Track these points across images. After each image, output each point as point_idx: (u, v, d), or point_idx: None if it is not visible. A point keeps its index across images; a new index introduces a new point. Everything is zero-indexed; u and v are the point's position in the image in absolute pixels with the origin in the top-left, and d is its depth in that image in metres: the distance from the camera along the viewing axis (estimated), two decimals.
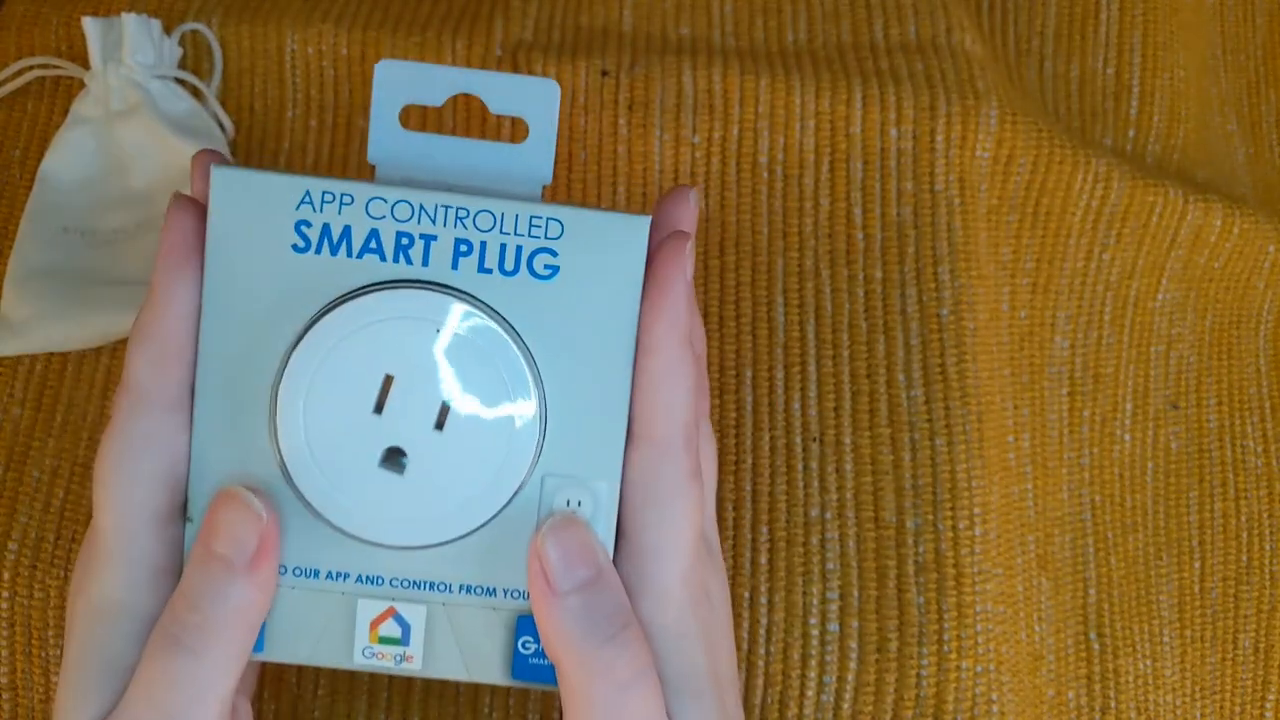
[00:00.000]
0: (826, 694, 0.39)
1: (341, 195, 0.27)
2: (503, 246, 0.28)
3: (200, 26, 0.47)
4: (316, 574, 0.29)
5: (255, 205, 0.27)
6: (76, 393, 0.43)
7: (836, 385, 0.43)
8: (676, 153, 0.44)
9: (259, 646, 0.29)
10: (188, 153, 0.45)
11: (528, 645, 0.29)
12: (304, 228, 0.27)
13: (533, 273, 0.28)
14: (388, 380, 0.27)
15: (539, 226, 0.27)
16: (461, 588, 0.29)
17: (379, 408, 0.27)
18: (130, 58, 0.45)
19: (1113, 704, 0.45)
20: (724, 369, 0.43)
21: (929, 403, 0.42)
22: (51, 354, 0.44)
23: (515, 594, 0.29)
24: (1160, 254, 0.50)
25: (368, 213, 0.27)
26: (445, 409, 0.27)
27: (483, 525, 0.28)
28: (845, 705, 0.39)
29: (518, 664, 0.29)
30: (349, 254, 0.27)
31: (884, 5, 0.48)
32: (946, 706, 0.39)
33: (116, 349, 0.44)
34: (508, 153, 0.30)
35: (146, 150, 0.46)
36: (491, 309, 0.28)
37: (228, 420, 0.28)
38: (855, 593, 0.40)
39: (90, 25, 0.45)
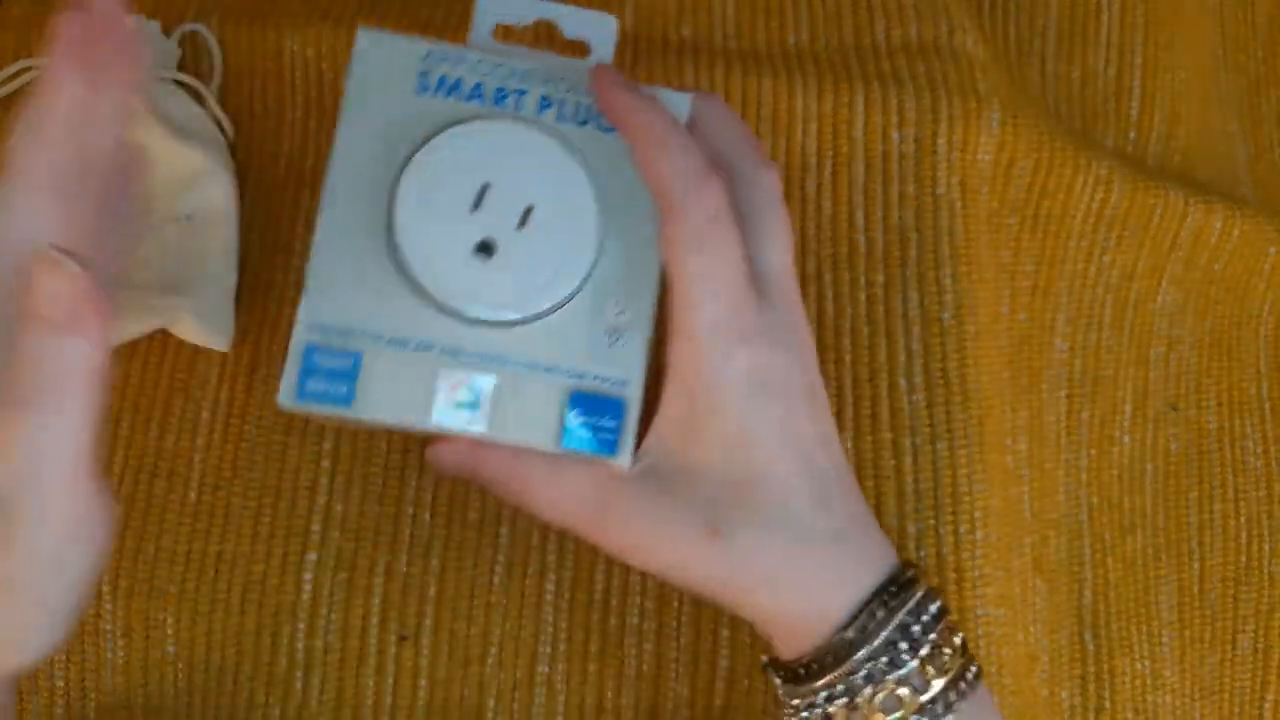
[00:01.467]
0: None
1: (457, 56, 0.36)
2: (577, 104, 0.36)
3: (199, 28, 0.48)
4: (406, 344, 0.34)
5: (388, 58, 0.36)
6: None
7: (839, 389, 0.43)
8: None
9: (347, 401, 0.34)
10: (187, 155, 0.45)
11: (576, 417, 0.34)
12: (426, 76, 0.36)
13: (598, 126, 0.36)
14: (485, 186, 0.34)
15: None
16: (526, 364, 0.35)
17: (476, 206, 0.34)
18: None
19: (1108, 704, 0.46)
20: None
21: (930, 407, 0.43)
22: None
23: (570, 373, 0.35)
24: (1161, 256, 0.50)
25: (475, 70, 0.36)
26: (528, 212, 0.35)
27: (547, 312, 0.35)
28: None
29: (566, 433, 0.34)
30: (460, 97, 0.36)
31: (885, 7, 0.48)
32: None
33: (116, 353, 0.45)
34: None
35: (145, 153, 0.46)
36: (568, 144, 0.35)
37: (351, 211, 0.35)
38: None
39: None
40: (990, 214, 0.47)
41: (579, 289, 0.35)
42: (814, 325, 0.44)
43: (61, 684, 0.42)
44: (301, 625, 0.42)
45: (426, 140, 0.35)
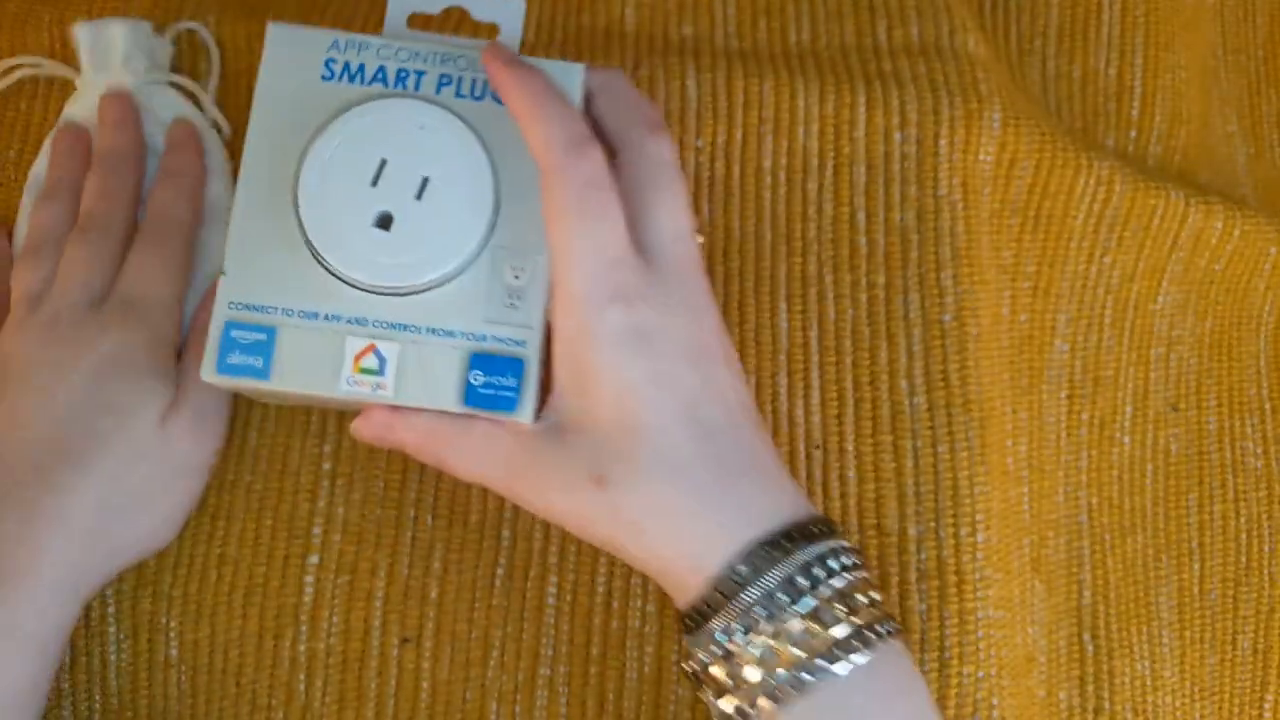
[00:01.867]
0: None
1: (360, 43, 0.39)
2: (474, 80, 0.38)
3: (197, 26, 0.48)
4: (316, 316, 0.37)
5: (297, 48, 0.38)
6: None
7: (839, 392, 0.44)
8: (680, 158, 0.46)
9: (264, 374, 0.36)
10: None
11: (477, 378, 0.37)
12: (331, 64, 0.38)
13: (495, 100, 0.38)
14: (383, 162, 0.36)
15: None
16: (428, 330, 0.37)
17: (375, 182, 0.36)
18: (121, 64, 0.46)
19: (1106, 705, 0.47)
20: None
21: (931, 409, 0.43)
22: None
23: (470, 336, 0.37)
24: (1161, 257, 0.51)
25: (378, 55, 0.38)
26: (424, 184, 0.36)
27: (447, 279, 0.37)
28: None
29: (469, 393, 0.37)
30: (362, 82, 0.38)
31: (887, 6, 0.49)
32: (948, 712, 0.40)
33: None
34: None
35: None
36: (463, 119, 0.37)
37: (264, 196, 0.37)
38: None
39: (80, 31, 0.46)
40: (991, 215, 0.47)
41: (477, 254, 0.37)
42: (815, 328, 0.45)
43: (67, 686, 0.43)
44: (304, 628, 0.43)
45: (326, 121, 0.37)
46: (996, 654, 0.42)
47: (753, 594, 0.33)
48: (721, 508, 0.34)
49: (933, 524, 0.42)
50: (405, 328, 0.37)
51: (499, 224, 0.37)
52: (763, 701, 0.33)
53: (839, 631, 0.33)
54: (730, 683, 0.34)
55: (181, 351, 0.43)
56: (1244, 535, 0.51)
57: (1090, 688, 0.47)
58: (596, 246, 0.35)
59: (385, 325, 0.37)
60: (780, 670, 0.33)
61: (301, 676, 0.42)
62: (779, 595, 0.33)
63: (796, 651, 0.33)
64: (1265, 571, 0.51)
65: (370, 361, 0.37)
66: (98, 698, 0.43)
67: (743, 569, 0.33)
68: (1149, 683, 0.48)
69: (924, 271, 0.45)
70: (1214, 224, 0.51)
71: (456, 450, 0.37)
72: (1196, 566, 0.50)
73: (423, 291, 0.37)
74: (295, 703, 0.42)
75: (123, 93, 0.46)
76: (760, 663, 0.33)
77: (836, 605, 0.33)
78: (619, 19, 0.49)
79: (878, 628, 0.34)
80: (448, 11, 0.45)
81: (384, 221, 0.36)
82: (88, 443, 0.39)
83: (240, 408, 0.45)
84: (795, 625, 0.33)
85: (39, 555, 0.38)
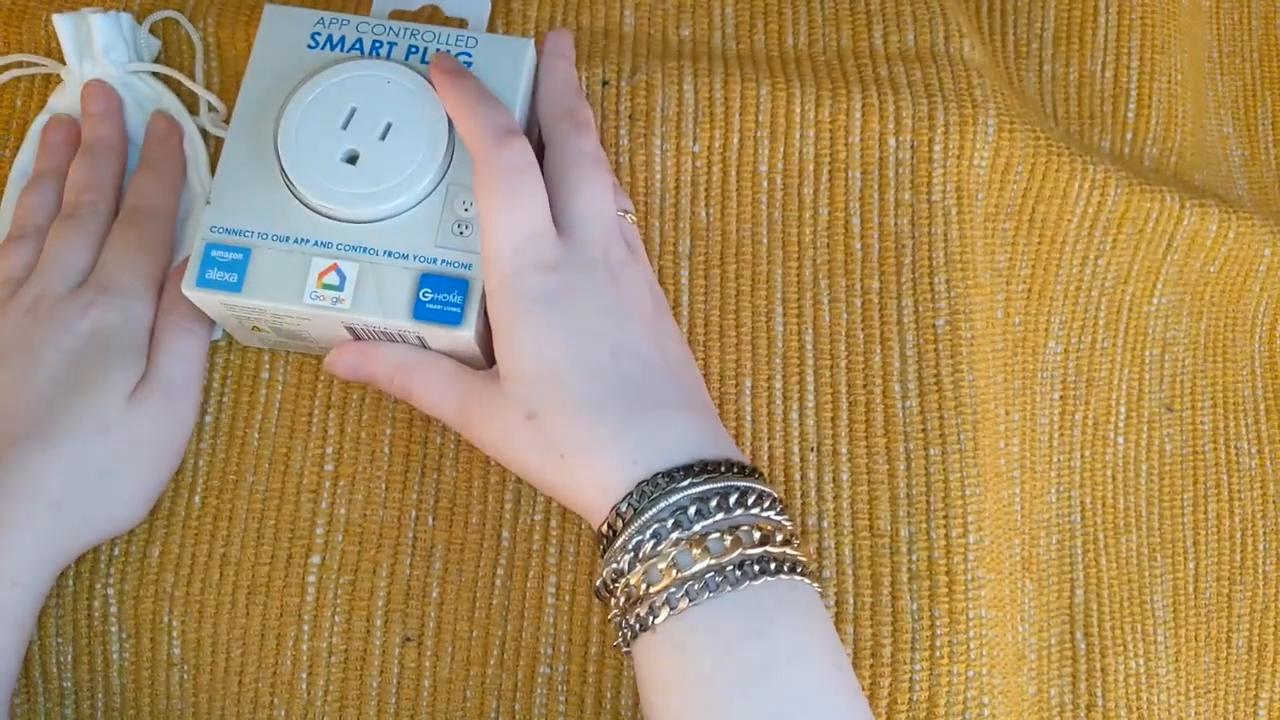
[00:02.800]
0: None
1: (343, 20, 0.45)
2: (438, 50, 0.44)
3: (177, 15, 0.50)
4: (288, 239, 0.42)
5: (288, 23, 0.45)
6: None
7: (834, 395, 0.45)
8: (678, 162, 0.47)
9: (237, 288, 0.42)
10: None
11: (426, 295, 0.41)
12: (317, 35, 0.45)
13: None
14: (353, 109, 0.42)
15: (462, 41, 0.45)
16: (385, 252, 0.42)
17: (345, 125, 0.42)
18: (102, 54, 0.48)
19: (1099, 702, 0.48)
20: (723, 379, 0.46)
21: (924, 413, 0.45)
22: None
23: (422, 258, 0.42)
24: (1156, 259, 0.52)
25: (356, 30, 0.45)
26: (388, 128, 0.42)
27: (404, 210, 0.42)
28: None
29: (418, 308, 0.41)
30: (342, 50, 0.44)
31: (883, 11, 0.50)
32: (938, 711, 0.42)
33: None
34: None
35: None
36: (425, 77, 0.43)
37: (250, 139, 0.43)
38: (850, 599, 0.43)
39: (60, 23, 0.48)
40: (986, 219, 0.48)
41: (432, 189, 0.42)
42: (810, 332, 0.46)
43: (70, 685, 0.44)
44: (306, 627, 0.44)
45: (307, 77, 0.43)
46: (988, 653, 0.43)
47: (646, 519, 0.37)
48: (630, 441, 0.39)
49: (924, 525, 0.44)
50: (365, 250, 0.42)
51: (452, 164, 0.43)
52: (646, 618, 0.37)
53: (724, 560, 0.36)
54: (622, 599, 0.38)
55: (153, 331, 0.45)
56: (1239, 534, 0.53)
57: (1083, 685, 0.48)
58: (516, 221, 0.40)
59: (347, 248, 0.42)
60: (666, 590, 0.36)
61: (303, 675, 0.44)
62: (669, 521, 0.37)
63: (679, 574, 0.36)
64: (1260, 570, 0.52)
65: (332, 279, 0.41)
66: (100, 697, 0.44)
67: (640, 498, 0.38)
68: (1144, 680, 0.49)
69: (918, 276, 0.46)
70: (1209, 226, 0.52)
71: (422, 383, 0.42)
72: (1191, 565, 0.52)
73: (383, 220, 0.42)
74: (297, 701, 0.44)
75: (105, 83, 0.49)
76: (646, 581, 0.37)
77: (725, 537, 0.37)
78: (618, 20, 0.51)
79: (771, 565, 0.37)
80: (423, 9, 0.49)
81: (351, 158, 0.42)
82: (57, 417, 0.42)
83: (241, 407, 0.46)
84: (679, 550, 0.37)
85: (9, 526, 0.41)
